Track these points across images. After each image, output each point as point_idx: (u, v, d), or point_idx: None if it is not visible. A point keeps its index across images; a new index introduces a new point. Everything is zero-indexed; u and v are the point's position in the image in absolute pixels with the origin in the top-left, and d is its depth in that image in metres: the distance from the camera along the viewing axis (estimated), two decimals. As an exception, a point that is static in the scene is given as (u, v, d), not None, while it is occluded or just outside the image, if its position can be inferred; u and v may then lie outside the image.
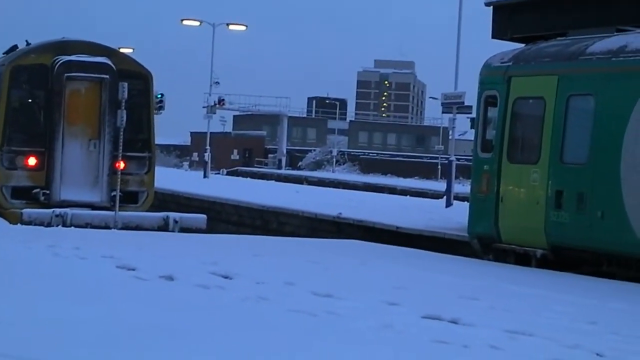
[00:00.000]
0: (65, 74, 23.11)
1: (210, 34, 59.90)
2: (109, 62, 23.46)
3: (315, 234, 24.93)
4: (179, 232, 22.32)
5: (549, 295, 12.85)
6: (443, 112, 36.57)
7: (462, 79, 34.23)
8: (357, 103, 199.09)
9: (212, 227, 24.65)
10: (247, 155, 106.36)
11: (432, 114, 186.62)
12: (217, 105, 63.46)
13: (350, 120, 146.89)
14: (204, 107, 62.60)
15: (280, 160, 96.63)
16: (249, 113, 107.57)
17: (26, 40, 26.02)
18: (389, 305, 10.70)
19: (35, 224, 21.09)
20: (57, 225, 21.31)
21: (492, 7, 22.85)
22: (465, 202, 23.60)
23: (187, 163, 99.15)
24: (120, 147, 22.48)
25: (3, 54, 26.20)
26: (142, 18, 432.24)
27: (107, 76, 23.25)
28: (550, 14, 21.42)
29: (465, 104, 32.37)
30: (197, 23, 60.40)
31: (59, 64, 23.14)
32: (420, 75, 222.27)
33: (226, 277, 12.17)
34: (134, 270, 12.32)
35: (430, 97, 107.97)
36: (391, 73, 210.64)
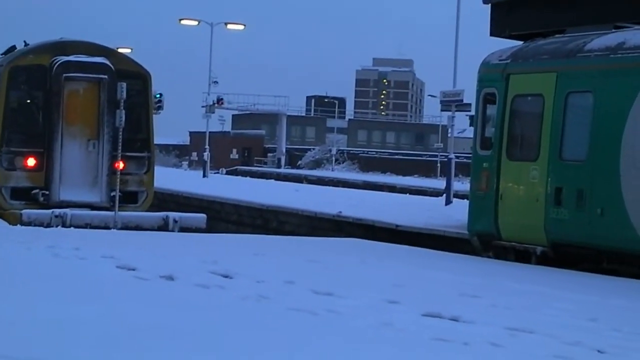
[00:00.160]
0: (64, 75, 23.10)
1: (208, 33, 59.92)
2: (108, 62, 23.46)
3: (315, 233, 24.93)
4: (178, 231, 22.32)
5: (549, 292, 12.85)
6: (442, 110, 36.60)
7: (460, 77, 34.25)
8: (356, 101, 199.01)
9: (212, 227, 24.65)
10: (246, 154, 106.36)
11: (431, 112, 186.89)
12: (216, 105, 63.50)
13: (349, 119, 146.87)
14: (202, 106, 62.66)
15: (279, 159, 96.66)
16: (248, 112, 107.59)
17: (24, 41, 26.02)
18: (389, 303, 10.70)
19: (35, 225, 21.09)
20: (57, 226, 21.31)
21: (490, 4, 22.85)
22: (465, 200, 23.63)
23: (187, 163, 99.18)
24: (120, 147, 22.47)
25: (1, 54, 26.19)
26: (141, 18, 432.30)
27: (106, 76, 23.24)
28: (548, 11, 21.43)
29: (464, 101, 32.38)
30: (196, 23, 60.41)
31: (57, 64, 23.13)
32: (419, 73, 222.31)
33: (226, 277, 12.17)
34: (134, 270, 12.31)
35: (429, 95, 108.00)
36: (390, 71, 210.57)
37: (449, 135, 35.67)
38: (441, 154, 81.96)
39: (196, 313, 9.32)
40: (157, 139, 26.27)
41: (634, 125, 16.04)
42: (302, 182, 60.28)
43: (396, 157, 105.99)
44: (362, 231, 23.72)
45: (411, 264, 15.93)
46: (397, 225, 23.18)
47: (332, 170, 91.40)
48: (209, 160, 56.05)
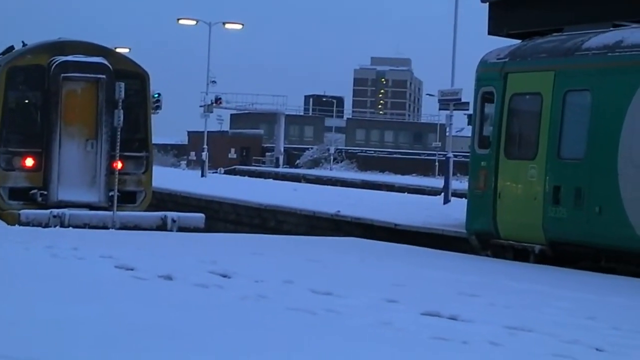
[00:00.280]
0: (62, 75, 23.09)
1: (206, 33, 59.91)
2: (106, 62, 23.45)
3: (314, 232, 24.93)
4: (177, 231, 22.31)
5: (547, 290, 12.86)
6: (440, 109, 36.64)
7: (458, 76, 34.27)
8: (354, 100, 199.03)
9: (210, 226, 24.65)
10: (244, 153, 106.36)
11: (429, 111, 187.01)
12: (214, 104, 63.47)
13: (348, 118, 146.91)
14: (200, 106, 62.63)
15: (277, 159, 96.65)
16: (246, 112, 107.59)
17: (22, 41, 26.01)
18: (388, 302, 10.71)
19: (33, 225, 21.08)
20: (55, 226, 21.30)
21: (488, 3, 22.86)
22: (463, 199, 23.63)
23: (185, 162, 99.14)
24: (118, 147, 22.46)
25: (-1, 55, 26.18)
26: (139, 18, 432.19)
27: (104, 76, 23.23)
28: (546, 10, 21.44)
29: (462, 100, 32.39)
30: (194, 22, 60.40)
31: (55, 64, 23.13)
32: (417, 72, 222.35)
33: (225, 276, 12.17)
34: (132, 270, 12.31)
35: (427, 94, 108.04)
36: (388, 70, 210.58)
37: (447, 134, 35.70)
38: (439, 152, 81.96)
39: (195, 313, 9.32)
40: (155, 139, 26.27)
41: (632, 124, 16.05)
42: (300, 182, 60.30)
43: (394, 156, 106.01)
44: (360, 230, 23.72)
45: (410, 263, 15.94)
46: (395, 225, 23.18)
47: (331, 170, 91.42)
48: (207, 160, 56.05)
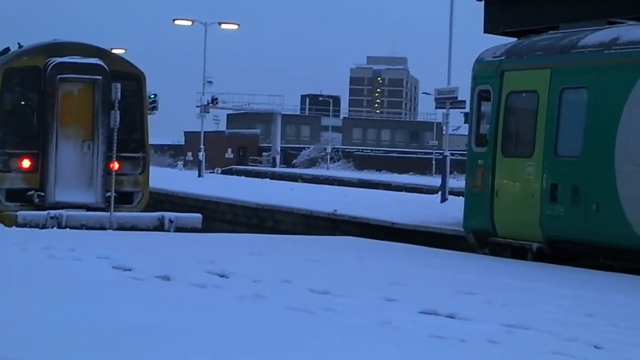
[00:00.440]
0: (58, 76, 23.08)
1: (202, 33, 59.89)
2: (102, 63, 23.44)
3: (311, 231, 24.93)
4: (174, 231, 22.31)
5: (545, 288, 12.86)
6: (436, 108, 36.61)
7: (454, 74, 34.29)
8: (350, 100, 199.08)
9: (208, 226, 24.64)
10: (241, 153, 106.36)
11: (426, 110, 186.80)
12: (211, 105, 63.55)
13: (344, 117, 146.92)
14: (197, 106, 62.63)
15: (274, 158, 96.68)
16: (243, 112, 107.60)
17: (18, 43, 26.01)
18: (385, 301, 10.71)
19: (30, 226, 21.07)
20: (52, 227, 21.29)
21: (483, 2, 22.87)
22: (460, 197, 23.64)
23: (182, 162, 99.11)
24: (114, 148, 22.45)
25: (-5, 56, 26.15)
26: (134, 19, 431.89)
27: (100, 77, 23.23)
28: (541, 8, 21.45)
29: (459, 98, 32.41)
30: (189, 23, 60.38)
31: (51, 65, 23.12)
32: (413, 71, 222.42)
33: (222, 276, 12.17)
34: (130, 270, 12.31)
35: (424, 93, 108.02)
36: (384, 69, 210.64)
37: (444, 132, 35.74)
38: (436, 151, 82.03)
39: (193, 313, 9.31)
40: (152, 139, 26.26)
41: (629, 121, 16.05)
42: (297, 181, 60.31)
43: (391, 154, 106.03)
44: (357, 229, 23.72)
45: (407, 261, 15.93)
46: (392, 223, 23.18)
47: (327, 169, 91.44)
48: (204, 160, 56.04)
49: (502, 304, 11.00)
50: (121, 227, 21.84)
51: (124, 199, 23.48)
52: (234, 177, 63.78)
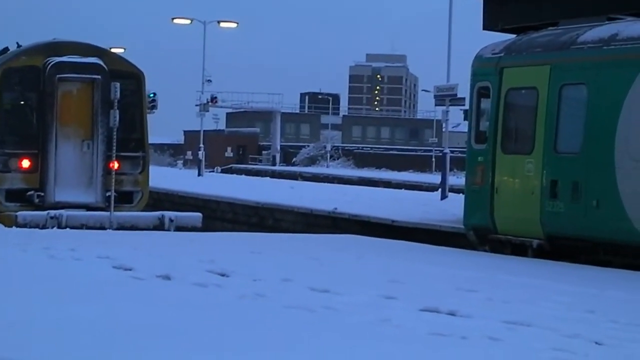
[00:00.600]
0: (57, 75, 23.06)
1: (201, 32, 59.88)
2: (101, 63, 23.43)
3: (311, 230, 24.92)
4: (174, 231, 22.30)
5: (546, 285, 12.86)
6: (436, 105, 36.60)
7: (454, 71, 34.28)
8: (349, 97, 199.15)
9: (208, 226, 24.63)
10: (241, 152, 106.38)
11: (425, 107, 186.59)
12: (210, 103, 63.50)
13: (344, 115, 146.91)
14: (196, 105, 62.62)
15: (274, 157, 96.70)
16: (242, 110, 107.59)
17: (17, 42, 25.99)
18: (386, 299, 10.70)
19: (30, 227, 21.05)
20: (52, 227, 21.27)
21: (482, -2, 22.84)
22: (460, 194, 23.63)
23: (181, 162, 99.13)
24: (114, 148, 22.44)
25: (-6, 56, 26.13)
26: (133, 18, 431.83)
27: (99, 76, 23.21)
28: (540, 4, 21.43)
29: (458, 96, 32.40)
30: (188, 21, 60.33)
31: (50, 65, 23.10)
32: (412, 68, 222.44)
33: (223, 275, 12.16)
34: (130, 270, 12.30)
35: (423, 90, 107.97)
36: (383, 67, 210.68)
37: (444, 129, 35.75)
38: (436, 148, 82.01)
39: (193, 312, 9.31)
40: (152, 139, 26.25)
41: (628, 117, 16.04)
42: (297, 179, 60.31)
43: (391, 152, 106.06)
44: (358, 227, 23.71)
45: (407, 259, 15.93)
46: (393, 221, 23.17)
47: (327, 167, 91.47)
48: (203, 159, 56.03)
49: (502, 301, 10.99)
50: (121, 227, 21.82)
51: (124, 199, 23.47)
52: (234, 175, 63.78)
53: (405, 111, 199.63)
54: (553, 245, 17.22)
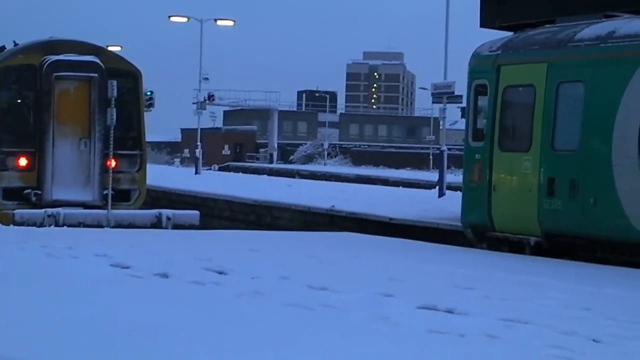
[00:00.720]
0: (54, 74, 23.05)
1: (198, 30, 59.81)
2: (98, 61, 23.41)
3: (309, 228, 24.93)
4: (172, 229, 22.29)
5: (544, 282, 12.86)
6: (433, 103, 36.66)
7: (451, 69, 34.26)
8: (347, 95, 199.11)
9: (205, 223, 24.63)
10: (238, 150, 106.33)
11: (423, 105, 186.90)
12: (207, 101, 63.37)
13: (341, 113, 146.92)
14: (193, 103, 62.54)
15: (271, 155, 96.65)
16: (239, 108, 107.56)
17: (13, 41, 25.97)
18: (384, 296, 10.70)
19: (28, 225, 21.04)
20: (50, 226, 21.27)
21: (479, -4, 22.84)
22: (458, 192, 23.65)
23: (178, 160, 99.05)
24: (111, 146, 22.42)
25: (-10, 55, 26.10)
26: (130, 16, 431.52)
27: (96, 75, 23.20)
28: (537, 1, 21.44)
29: (455, 93, 32.38)
30: (185, 19, 60.26)
31: (47, 63, 23.08)
32: (410, 66, 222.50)
33: (221, 273, 12.16)
34: (128, 268, 12.29)
35: (420, 88, 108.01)
36: (380, 64, 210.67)
37: (441, 127, 35.70)
38: (433, 146, 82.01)
39: (191, 310, 9.30)
40: (149, 137, 26.24)
41: (626, 114, 16.05)
42: (294, 177, 60.29)
43: (388, 150, 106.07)
44: (355, 225, 23.72)
45: (405, 257, 15.93)
46: (390, 219, 23.18)
47: (325, 165, 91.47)
48: (201, 157, 55.99)
49: (500, 299, 11.00)
50: (118, 225, 21.81)
51: (121, 197, 23.46)
52: (231, 173, 63.76)
53: (402, 109, 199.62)
54: (550, 242, 17.23)
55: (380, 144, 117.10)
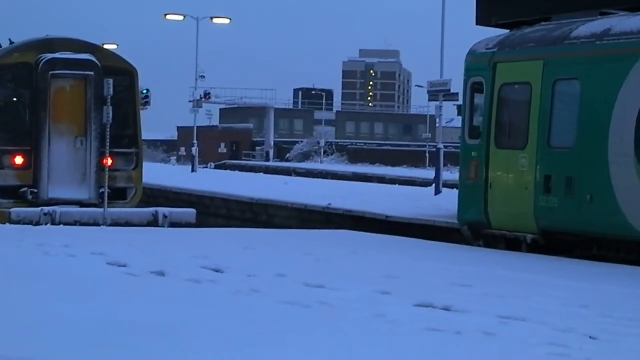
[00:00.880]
0: (50, 72, 23.04)
1: (194, 28, 59.76)
2: (94, 59, 23.40)
3: (305, 225, 24.93)
4: (168, 227, 22.28)
5: (540, 279, 12.87)
6: (430, 100, 36.58)
7: (448, 67, 34.24)
8: (343, 93, 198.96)
9: (202, 222, 24.63)
10: (234, 148, 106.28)
11: (419, 103, 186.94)
12: (203, 99, 63.36)
13: (337, 111, 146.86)
14: (190, 101, 62.46)
15: (267, 153, 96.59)
16: (236, 106, 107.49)
17: (9, 39, 25.96)
18: (381, 294, 10.70)
19: (24, 223, 21.03)
20: (46, 224, 21.26)
21: (476, -7, 22.81)
22: (455, 190, 23.64)
23: (175, 158, 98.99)
24: (108, 144, 22.41)
25: (-14, 53, 26.06)
26: (126, 14, 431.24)
27: (92, 73, 23.19)
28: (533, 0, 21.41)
29: (452, 91, 32.38)
30: (181, 17, 60.20)
31: (43, 62, 23.06)
32: (406, 63, 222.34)
33: (217, 271, 12.16)
34: (124, 266, 12.29)
35: (417, 86, 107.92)
36: (376, 62, 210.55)
37: (437, 125, 35.70)
38: (430, 144, 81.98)
39: (188, 308, 9.30)
40: (145, 135, 26.23)
41: (622, 112, 16.05)
42: (291, 175, 60.27)
43: (385, 148, 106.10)
44: (352, 223, 23.72)
45: (402, 254, 15.93)
46: (387, 216, 23.18)
47: (321, 163, 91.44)
48: (197, 155, 55.96)
49: (497, 296, 11.00)
50: (115, 223, 21.81)
51: (118, 195, 23.45)
52: (228, 172, 63.75)
53: (398, 107, 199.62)
54: (547, 240, 17.23)
55: (377, 142, 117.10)
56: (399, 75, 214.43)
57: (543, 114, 17.38)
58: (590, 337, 8.72)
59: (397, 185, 45.77)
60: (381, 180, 56.26)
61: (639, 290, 12.44)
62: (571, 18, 18.14)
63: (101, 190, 22.73)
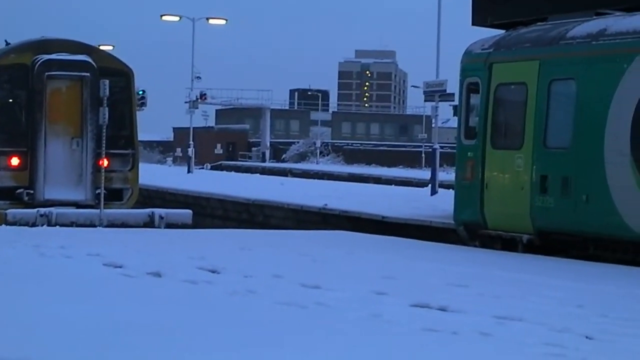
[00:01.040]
0: (46, 73, 23.01)
1: (190, 28, 59.73)
2: (90, 60, 23.38)
3: (301, 226, 24.93)
4: (164, 228, 22.27)
5: (536, 280, 12.88)
6: (425, 101, 36.61)
7: (443, 67, 34.26)
8: (339, 94, 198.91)
9: (198, 222, 24.61)
10: (230, 149, 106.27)
11: (415, 103, 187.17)
12: (199, 100, 63.31)
13: (333, 111, 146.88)
14: (186, 102, 62.45)
15: (264, 153, 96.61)
16: (232, 107, 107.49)
17: (5, 40, 25.94)
18: (377, 294, 10.71)
19: (20, 224, 21.01)
20: (42, 225, 21.24)
21: (471, -6, 22.84)
22: (450, 190, 23.67)
23: (171, 159, 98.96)
24: (103, 145, 22.40)
25: (-18, 54, 26.03)
26: (122, 15, 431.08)
27: (88, 74, 23.17)
28: (529, 0, 21.44)
29: (448, 91, 32.39)
30: (177, 18, 60.17)
31: (39, 63, 23.04)
32: (402, 64, 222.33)
33: (214, 272, 12.15)
34: (120, 267, 12.28)
35: (412, 86, 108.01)
36: (372, 63, 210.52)
37: (433, 125, 35.71)
38: (425, 144, 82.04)
39: (184, 309, 9.30)
40: (141, 136, 26.23)
41: (618, 112, 16.07)
42: (287, 176, 60.28)
43: (381, 148, 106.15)
44: (348, 223, 23.73)
45: (398, 255, 15.94)
46: (383, 217, 23.18)
47: (317, 163, 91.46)
48: (193, 156, 55.94)
49: (493, 296, 11.01)
50: (111, 224, 21.78)
51: (114, 196, 23.43)
52: (224, 172, 63.73)
53: (394, 107, 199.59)
54: (543, 240, 17.25)
55: (373, 142, 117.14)
56: (395, 75, 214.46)
57: (539, 114, 17.40)
58: (587, 337, 8.73)
59: (393, 185, 45.82)
60: (377, 180, 56.32)
61: (635, 290, 12.45)
62: (567, 18, 18.15)
63: (97, 191, 22.71)
